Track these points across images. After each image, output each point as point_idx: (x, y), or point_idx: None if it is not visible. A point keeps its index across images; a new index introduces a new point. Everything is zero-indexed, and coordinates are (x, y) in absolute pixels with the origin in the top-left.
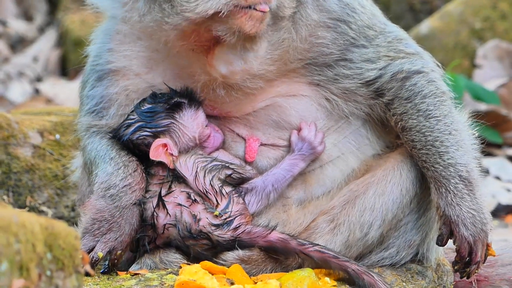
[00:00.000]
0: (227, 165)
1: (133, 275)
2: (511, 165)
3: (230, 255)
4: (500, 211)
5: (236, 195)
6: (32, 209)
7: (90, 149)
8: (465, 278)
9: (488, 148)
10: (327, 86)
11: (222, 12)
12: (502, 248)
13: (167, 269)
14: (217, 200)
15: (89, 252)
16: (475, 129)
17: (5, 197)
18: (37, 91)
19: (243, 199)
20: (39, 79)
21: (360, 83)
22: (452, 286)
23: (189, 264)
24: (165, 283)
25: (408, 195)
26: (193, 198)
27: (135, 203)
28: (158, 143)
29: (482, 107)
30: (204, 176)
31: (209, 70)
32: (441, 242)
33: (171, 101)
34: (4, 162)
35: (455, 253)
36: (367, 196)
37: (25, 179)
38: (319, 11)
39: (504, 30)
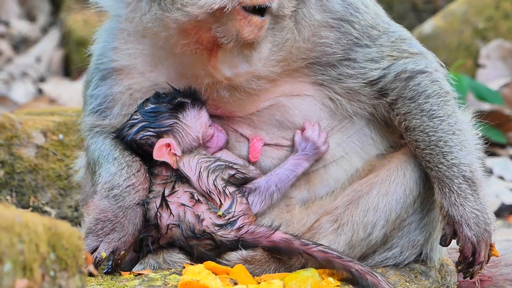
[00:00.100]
0: (230, 165)
1: (136, 275)
2: None
3: (233, 255)
4: (504, 211)
5: (240, 195)
6: (36, 209)
7: (93, 149)
8: (468, 278)
9: (492, 148)
10: (330, 86)
11: (227, 8)
12: (506, 248)
13: (171, 269)
14: (220, 200)
15: (92, 252)
16: (479, 129)
17: (8, 197)
18: (40, 92)
19: (247, 199)
20: (42, 80)
21: (363, 82)
22: (456, 286)
23: (192, 264)
24: (169, 283)
25: (412, 195)
26: (197, 198)
27: (138, 203)
28: (162, 143)
29: (486, 107)
30: (208, 176)
31: (213, 73)
32: (444, 242)
33: (175, 101)
34: (8, 162)
35: (459, 253)
36: (371, 196)
37: (28, 179)
38: (322, 11)
39: (507, 29)
